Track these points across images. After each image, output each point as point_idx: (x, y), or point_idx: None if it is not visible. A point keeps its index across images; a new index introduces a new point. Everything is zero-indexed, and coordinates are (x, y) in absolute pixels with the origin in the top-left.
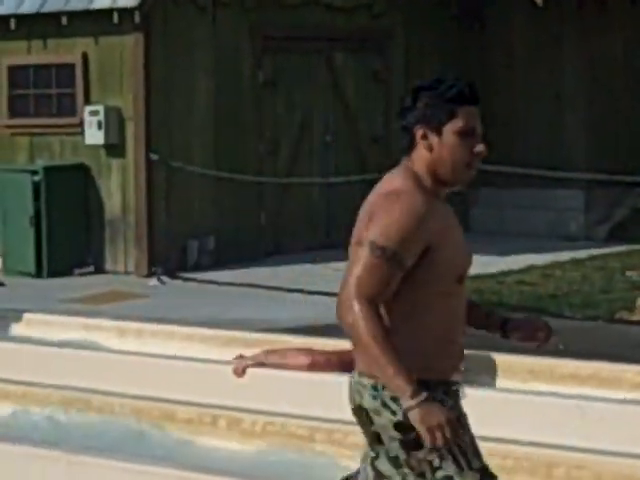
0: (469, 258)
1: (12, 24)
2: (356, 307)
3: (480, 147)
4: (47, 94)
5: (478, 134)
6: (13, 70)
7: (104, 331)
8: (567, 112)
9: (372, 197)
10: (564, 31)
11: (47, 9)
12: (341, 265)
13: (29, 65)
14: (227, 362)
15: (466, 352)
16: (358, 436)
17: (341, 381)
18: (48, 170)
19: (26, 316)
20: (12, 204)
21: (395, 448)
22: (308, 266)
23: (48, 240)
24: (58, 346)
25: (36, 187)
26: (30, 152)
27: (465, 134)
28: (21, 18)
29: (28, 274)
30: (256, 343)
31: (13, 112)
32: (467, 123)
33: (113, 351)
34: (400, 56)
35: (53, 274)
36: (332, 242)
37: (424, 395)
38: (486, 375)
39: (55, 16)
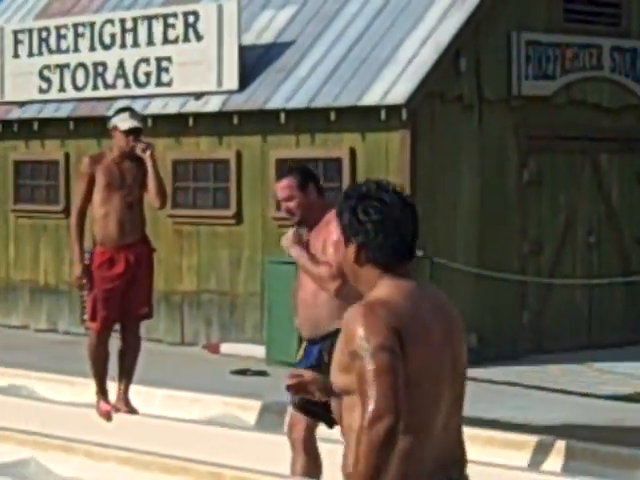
0: None
1: (282, 118)
2: None
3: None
4: None
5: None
6: (281, 163)
7: None
8: None
9: None
10: None
11: (316, 104)
12: (603, 366)
13: (298, 159)
14: (486, 463)
15: None
16: None
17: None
18: None
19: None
20: (277, 295)
21: None
22: (568, 366)
23: None
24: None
25: None
26: None
27: None
28: (290, 112)
29: (292, 364)
30: (512, 444)
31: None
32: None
33: None
34: None
35: None
36: (594, 343)
37: None
38: None
39: (324, 111)
